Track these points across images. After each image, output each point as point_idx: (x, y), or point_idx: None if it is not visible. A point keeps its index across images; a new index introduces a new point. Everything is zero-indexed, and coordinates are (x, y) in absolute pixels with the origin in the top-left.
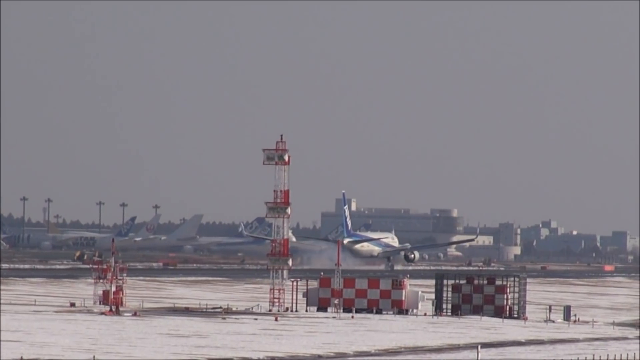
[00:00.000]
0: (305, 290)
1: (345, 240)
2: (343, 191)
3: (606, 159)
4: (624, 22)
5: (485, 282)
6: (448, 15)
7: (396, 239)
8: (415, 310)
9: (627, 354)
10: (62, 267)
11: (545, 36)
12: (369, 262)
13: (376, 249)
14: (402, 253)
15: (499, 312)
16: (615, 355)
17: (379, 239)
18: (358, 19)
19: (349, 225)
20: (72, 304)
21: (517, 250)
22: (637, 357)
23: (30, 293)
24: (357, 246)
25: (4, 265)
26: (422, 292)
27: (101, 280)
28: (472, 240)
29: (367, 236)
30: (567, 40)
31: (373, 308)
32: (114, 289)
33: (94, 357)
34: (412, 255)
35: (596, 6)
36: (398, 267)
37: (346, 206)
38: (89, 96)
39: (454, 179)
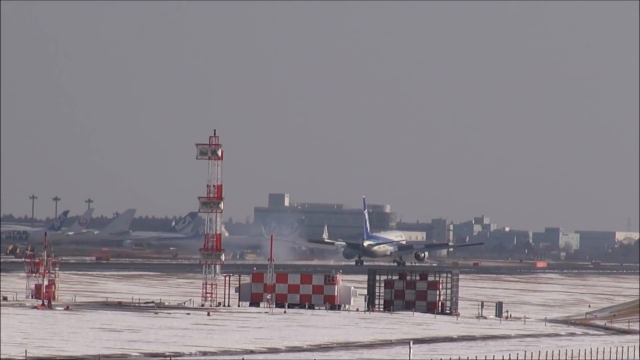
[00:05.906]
0: (237, 285)
1: (366, 243)
2: (364, 196)
3: (538, 156)
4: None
5: (418, 278)
6: (367, 11)
7: (405, 239)
8: (347, 306)
9: (559, 351)
10: None
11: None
12: (381, 260)
13: (389, 249)
14: (414, 252)
15: (431, 308)
16: (547, 352)
17: (392, 240)
18: (289, 15)
19: (368, 229)
20: (5, 298)
21: None
22: (569, 354)
23: None
24: (375, 247)
25: None
26: (355, 287)
27: (33, 274)
28: (482, 244)
29: (383, 238)
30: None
31: (305, 303)
32: (46, 283)
33: (25, 351)
34: (422, 255)
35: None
36: (408, 264)
37: (366, 210)
38: (20, 90)
39: (387, 175)
